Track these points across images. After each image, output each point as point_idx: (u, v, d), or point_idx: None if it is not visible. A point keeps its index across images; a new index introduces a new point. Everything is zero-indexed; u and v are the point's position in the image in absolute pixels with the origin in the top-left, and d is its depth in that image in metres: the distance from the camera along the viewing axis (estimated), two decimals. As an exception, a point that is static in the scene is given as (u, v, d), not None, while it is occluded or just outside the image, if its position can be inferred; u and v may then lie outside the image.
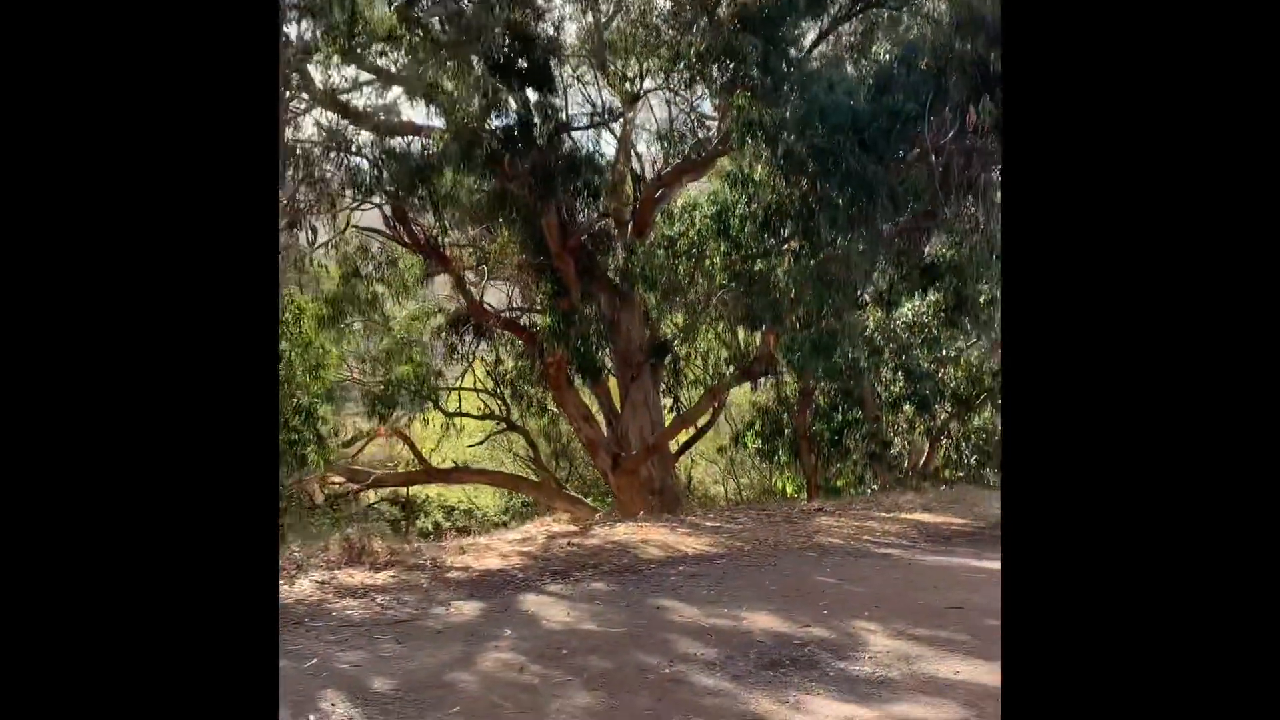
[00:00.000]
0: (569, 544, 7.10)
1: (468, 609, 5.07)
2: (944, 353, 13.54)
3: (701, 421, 14.05)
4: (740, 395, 15.57)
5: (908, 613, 5.15)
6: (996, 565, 6.97)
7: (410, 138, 10.51)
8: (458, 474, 13.67)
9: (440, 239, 11.29)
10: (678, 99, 12.40)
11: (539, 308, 11.81)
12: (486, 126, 9.74)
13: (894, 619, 4.97)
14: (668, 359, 12.44)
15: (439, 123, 10.29)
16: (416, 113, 17.23)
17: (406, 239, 11.42)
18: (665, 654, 4.24)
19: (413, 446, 13.20)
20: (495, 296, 13.12)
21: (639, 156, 13.82)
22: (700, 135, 12.63)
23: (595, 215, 11.12)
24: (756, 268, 11.22)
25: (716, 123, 12.34)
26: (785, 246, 11.03)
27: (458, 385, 14.07)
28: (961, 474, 14.00)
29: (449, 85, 9.42)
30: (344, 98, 10.23)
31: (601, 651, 4.24)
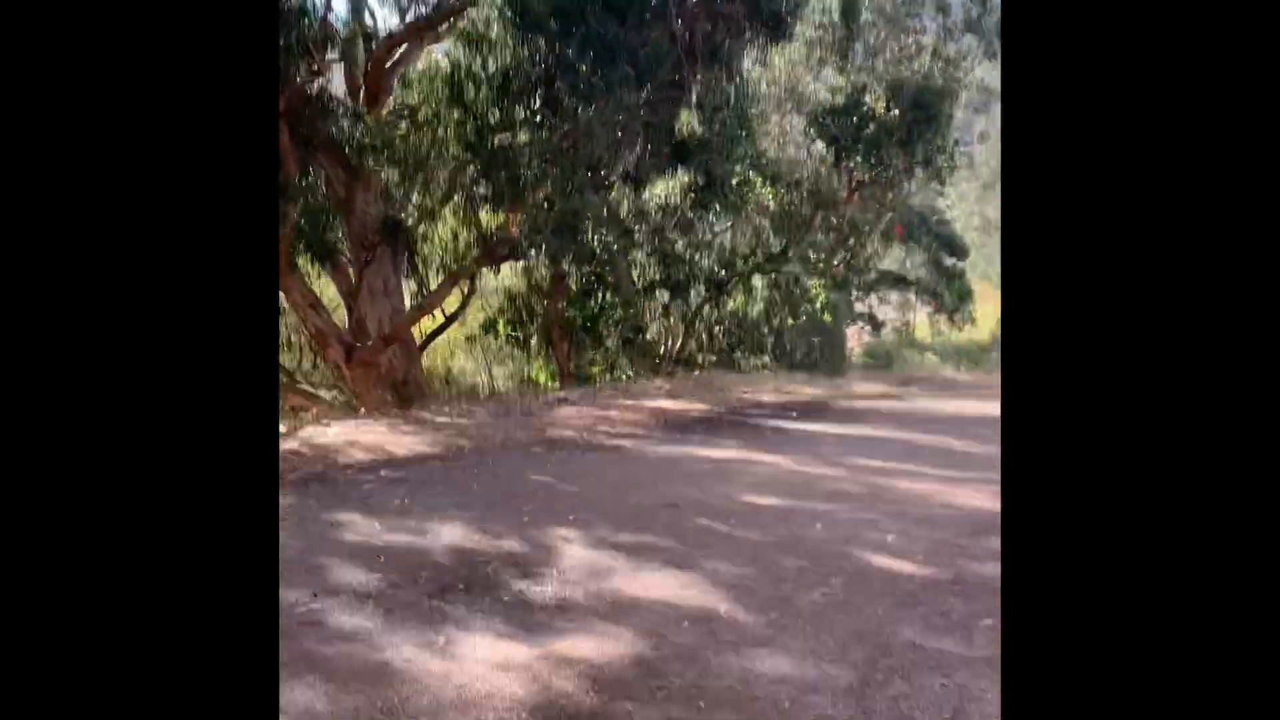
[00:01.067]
0: (257, 450, 6.18)
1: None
2: (699, 236, 13.27)
3: (451, 308, 13.22)
4: (496, 280, 14.81)
5: (617, 515, 4.70)
6: (725, 454, 6.73)
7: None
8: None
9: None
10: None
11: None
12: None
13: (599, 523, 4.50)
14: (405, 240, 11.40)
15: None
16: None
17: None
18: (315, 586, 3.54)
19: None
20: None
21: (373, 15, 12.40)
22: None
23: (307, 74, 9.74)
24: (496, 141, 10.33)
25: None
26: (527, 118, 10.17)
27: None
28: (714, 358, 13.98)
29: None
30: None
31: (231, 589, 3.48)
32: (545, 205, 10.48)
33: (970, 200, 36.24)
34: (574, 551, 4.05)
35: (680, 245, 12.98)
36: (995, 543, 4.15)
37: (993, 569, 3.72)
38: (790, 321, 14.35)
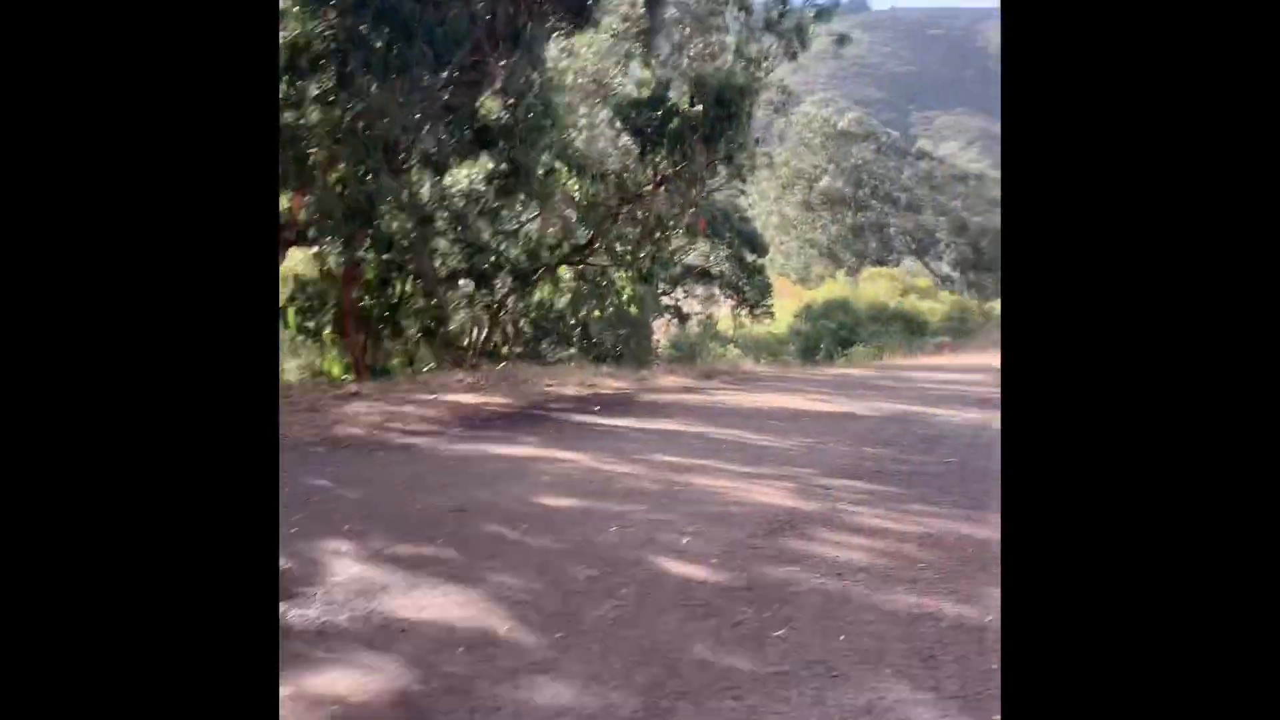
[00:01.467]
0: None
1: None
2: (504, 225, 12.93)
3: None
4: (287, 266, 13.90)
5: (399, 523, 4.36)
6: (522, 451, 6.46)
7: None
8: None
9: None
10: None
11: None
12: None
13: (377, 533, 4.15)
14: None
15: None
16: None
17: None
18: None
19: None
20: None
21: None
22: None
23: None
24: (284, 119, 9.61)
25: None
26: (317, 95, 9.52)
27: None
28: (520, 349, 13.69)
29: None
30: None
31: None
32: (337, 188, 9.87)
33: (770, 199, 37.51)
34: (344, 567, 3.69)
35: (485, 234, 12.61)
36: (787, 543, 4.11)
37: (784, 573, 3.66)
38: (597, 314, 14.25)
